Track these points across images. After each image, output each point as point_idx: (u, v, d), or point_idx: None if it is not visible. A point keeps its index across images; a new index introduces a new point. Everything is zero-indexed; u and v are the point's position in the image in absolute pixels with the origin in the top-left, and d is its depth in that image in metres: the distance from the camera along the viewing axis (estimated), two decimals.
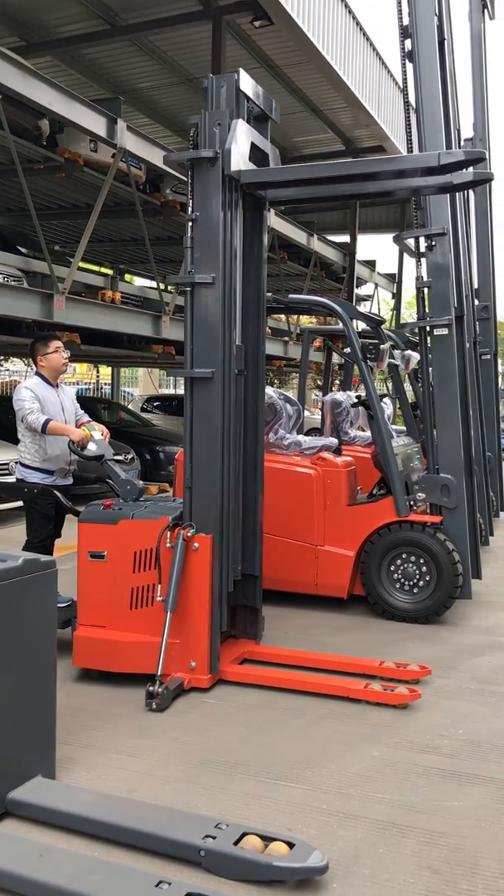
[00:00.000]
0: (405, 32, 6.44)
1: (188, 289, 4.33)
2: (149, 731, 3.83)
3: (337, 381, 15.70)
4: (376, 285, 21.27)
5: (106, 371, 27.08)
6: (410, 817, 3.10)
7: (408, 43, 6.43)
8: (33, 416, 4.88)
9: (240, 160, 4.36)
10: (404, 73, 6.46)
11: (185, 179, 4.41)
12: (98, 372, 27.98)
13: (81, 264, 10.82)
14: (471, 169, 4.53)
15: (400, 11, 6.47)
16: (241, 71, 4.47)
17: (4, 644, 3.01)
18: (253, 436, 4.83)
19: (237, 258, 4.51)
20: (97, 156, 10.00)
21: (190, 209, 4.33)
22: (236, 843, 2.76)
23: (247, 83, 4.49)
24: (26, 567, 3.11)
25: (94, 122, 9.16)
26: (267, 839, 2.79)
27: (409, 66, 6.43)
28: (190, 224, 4.32)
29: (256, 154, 4.65)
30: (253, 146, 4.57)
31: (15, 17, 11.92)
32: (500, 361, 12.98)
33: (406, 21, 6.42)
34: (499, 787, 3.36)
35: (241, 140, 4.39)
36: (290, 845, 2.75)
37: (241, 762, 3.53)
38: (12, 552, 3.26)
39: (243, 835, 2.81)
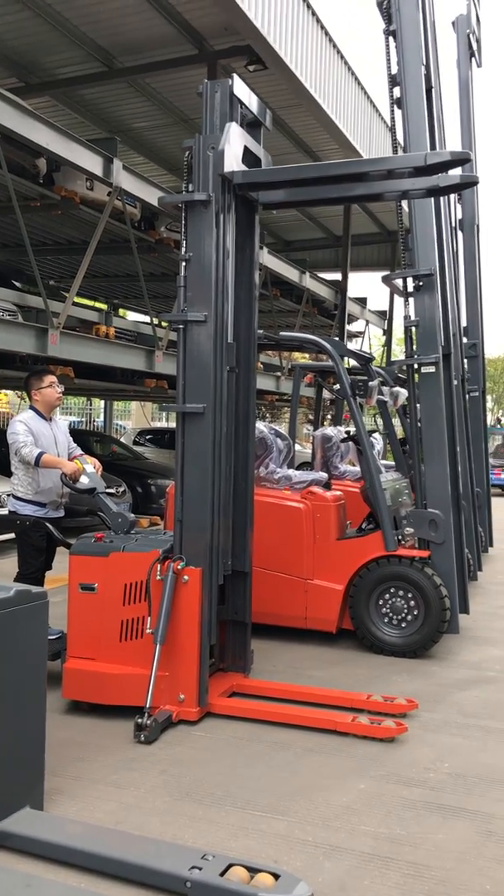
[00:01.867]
0: (394, 81, 6.67)
1: (181, 326, 4.43)
2: (137, 763, 3.85)
3: (329, 416, 15.83)
4: (367, 322, 21.49)
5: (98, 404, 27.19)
6: (395, 850, 3.13)
7: (396, 90, 6.65)
8: (27, 448, 4.95)
9: (233, 161, 4.46)
10: (393, 118, 6.69)
11: (180, 218, 4.52)
12: (91, 404, 28.09)
13: (76, 299, 10.94)
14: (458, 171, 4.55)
15: (388, 61, 6.70)
16: (235, 76, 4.59)
17: None
18: (245, 437, 4.87)
19: (231, 256, 4.54)
20: (93, 194, 10.16)
21: (183, 249, 4.43)
22: (222, 874, 2.78)
23: (241, 88, 4.61)
24: (18, 598, 3.15)
25: (91, 162, 9.34)
26: (253, 870, 2.81)
27: (398, 112, 6.65)
28: (183, 264, 4.43)
29: (249, 158, 4.75)
30: (246, 150, 4.68)
31: (14, 59, 12.18)
32: (488, 398, 13.11)
33: (395, 70, 6.65)
34: (483, 821, 3.39)
35: (235, 142, 4.50)
36: (276, 877, 2.77)
37: (229, 794, 3.55)
38: (4, 584, 3.30)
39: (229, 866, 2.83)
